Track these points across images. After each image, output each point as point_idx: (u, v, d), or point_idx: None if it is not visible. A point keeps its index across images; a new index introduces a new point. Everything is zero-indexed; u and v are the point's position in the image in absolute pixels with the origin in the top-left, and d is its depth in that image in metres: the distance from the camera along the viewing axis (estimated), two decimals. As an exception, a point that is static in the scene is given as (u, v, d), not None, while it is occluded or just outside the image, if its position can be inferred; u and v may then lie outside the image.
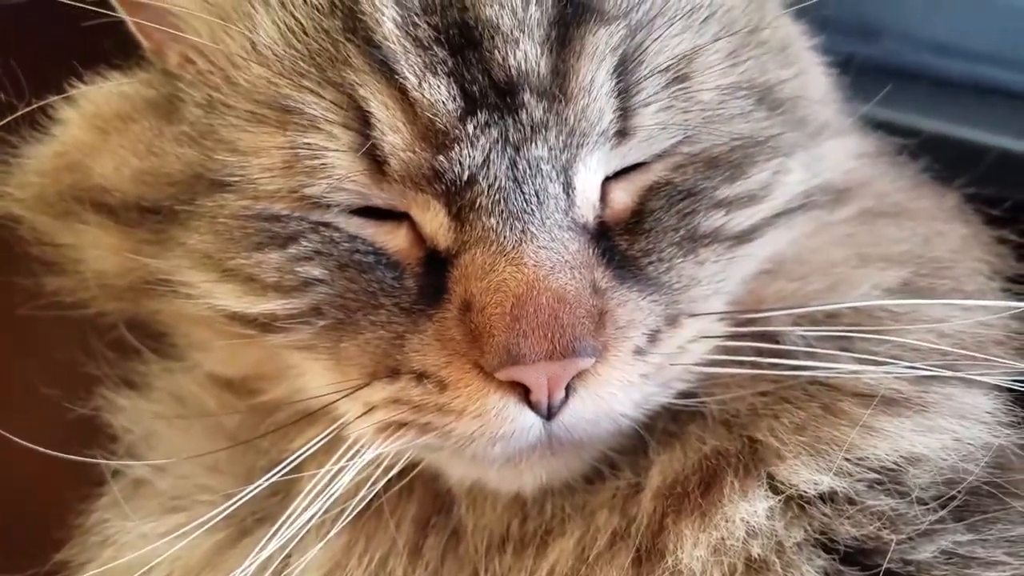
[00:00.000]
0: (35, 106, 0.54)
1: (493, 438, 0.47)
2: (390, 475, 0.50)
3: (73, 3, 0.50)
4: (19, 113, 0.54)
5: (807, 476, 0.48)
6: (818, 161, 0.55)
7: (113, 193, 0.53)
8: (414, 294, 0.48)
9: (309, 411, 0.52)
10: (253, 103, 0.48)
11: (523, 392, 0.46)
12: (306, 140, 0.47)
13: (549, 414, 0.47)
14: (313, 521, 0.49)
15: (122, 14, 0.52)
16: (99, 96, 0.55)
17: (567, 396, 0.47)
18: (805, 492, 0.48)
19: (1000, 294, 0.56)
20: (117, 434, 0.59)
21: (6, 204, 0.56)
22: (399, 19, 0.47)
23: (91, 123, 0.55)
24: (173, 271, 0.52)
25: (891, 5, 0.79)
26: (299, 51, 0.48)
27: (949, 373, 0.50)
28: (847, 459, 0.48)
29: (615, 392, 0.47)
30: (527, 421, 0.47)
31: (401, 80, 0.46)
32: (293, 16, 0.48)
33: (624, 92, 0.48)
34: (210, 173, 0.50)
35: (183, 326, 0.57)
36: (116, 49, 0.55)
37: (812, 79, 0.58)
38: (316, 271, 0.49)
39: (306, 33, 0.48)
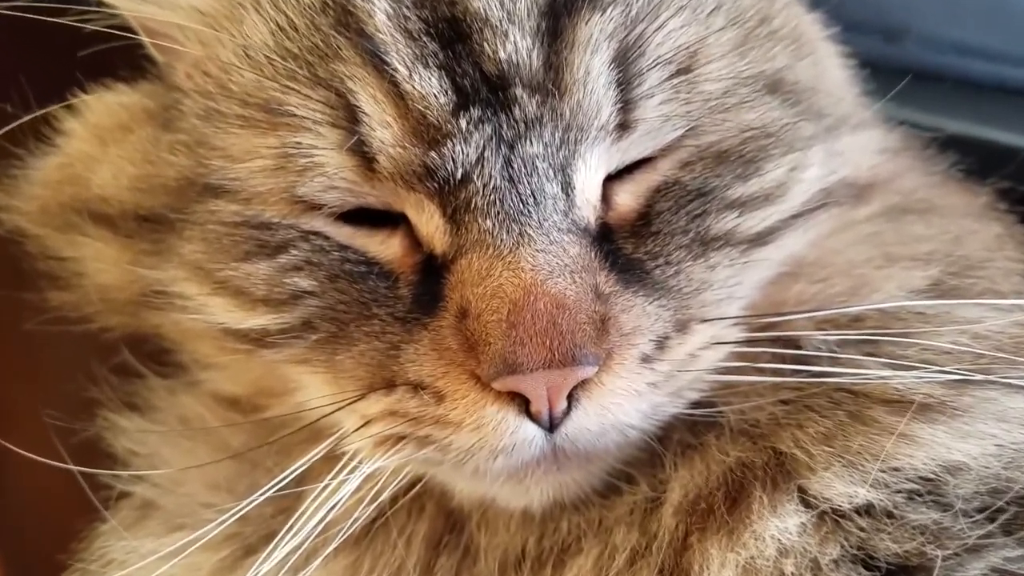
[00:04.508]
0: (37, 114, 0.53)
1: (494, 451, 0.44)
2: (392, 491, 0.47)
3: (85, 22, 0.49)
4: (21, 120, 0.52)
5: (841, 488, 0.44)
6: (838, 156, 0.52)
7: (111, 203, 0.51)
8: (409, 303, 0.46)
9: (311, 426, 0.49)
10: (245, 107, 0.47)
11: (523, 403, 0.43)
12: (295, 140, 0.45)
13: (551, 426, 0.44)
14: (312, 537, 0.46)
15: (136, 30, 0.51)
16: (101, 107, 0.54)
17: (570, 407, 0.43)
18: (840, 506, 0.44)
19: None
20: (120, 456, 0.56)
21: (12, 218, 0.55)
22: (391, 11, 0.45)
23: (93, 134, 0.54)
24: (170, 283, 0.50)
25: (914, 6, 0.76)
26: (290, 51, 0.46)
27: (981, 377, 0.46)
28: (882, 470, 0.44)
29: (620, 402, 0.44)
30: (528, 433, 0.44)
31: (392, 72, 0.44)
32: (285, 15, 0.46)
33: (625, 84, 0.45)
34: (202, 178, 0.48)
35: (186, 342, 0.55)
36: (122, 61, 0.55)
37: (828, 70, 0.55)
38: (305, 282, 0.46)
39: (297, 31, 0.46)
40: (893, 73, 0.58)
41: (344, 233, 0.47)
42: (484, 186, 0.44)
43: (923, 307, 0.48)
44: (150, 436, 0.56)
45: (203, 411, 0.56)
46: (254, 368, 0.52)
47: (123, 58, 0.54)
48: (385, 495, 0.47)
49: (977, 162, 0.58)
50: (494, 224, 0.44)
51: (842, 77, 0.56)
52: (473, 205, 0.44)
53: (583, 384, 0.43)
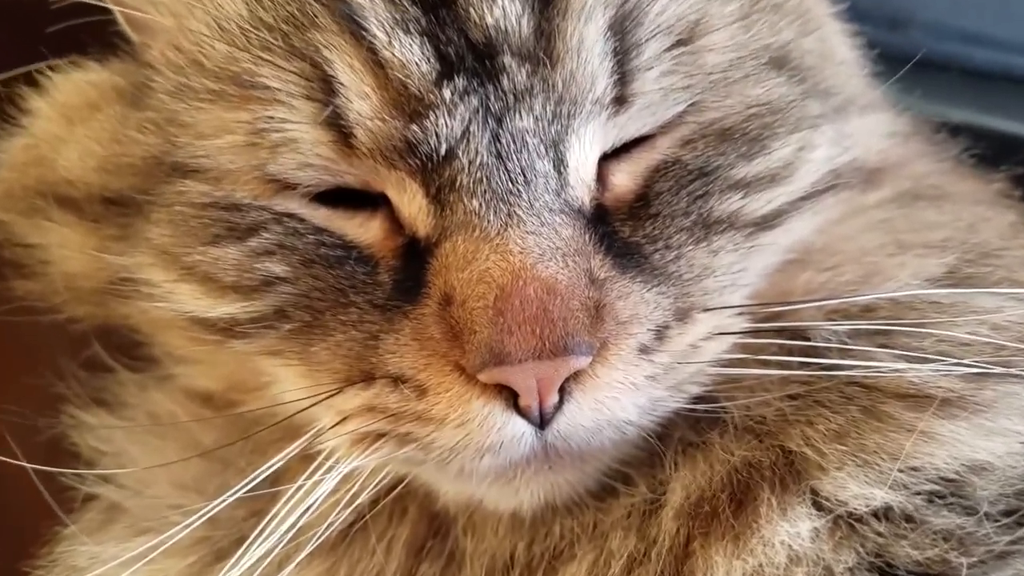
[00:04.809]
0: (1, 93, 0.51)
1: (480, 449, 0.42)
2: (371, 492, 0.45)
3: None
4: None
5: (856, 490, 0.42)
6: (846, 138, 0.50)
7: (77, 185, 0.49)
8: (389, 289, 0.44)
9: (285, 423, 0.47)
10: (216, 81, 0.44)
11: (511, 397, 0.41)
12: (268, 114, 0.42)
13: (542, 421, 0.41)
14: (285, 542, 0.44)
15: (107, 4, 0.49)
16: (69, 85, 0.52)
17: (561, 401, 0.41)
18: (855, 509, 0.42)
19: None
20: (84, 455, 0.54)
21: (-25, 204, 0.53)
22: None
23: (60, 113, 0.51)
24: (137, 270, 0.48)
25: (918, -6, 0.76)
26: (264, 21, 0.44)
27: (1001, 370, 0.44)
28: (900, 469, 0.42)
29: (617, 396, 0.42)
30: (517, 430, 0.42)
31: (370, 39, 0.42)
32: None
33: (621, 54, 0.43)
34: (170, 157, 0.46)
35: (156, 333, 0.53)
36: (91, 37, 0.52)
37: (835, 48, 0.53)
38: (277, 268, 0.44)
39: (273, 0, 0.44)
40: (898, 62, 0.56)
41: (320, 215, 0.44)
42: (470, 163, 0.42)
43: (939, 296, 0.46)
44: (117, 433, 0.54)
45: (174, 407, 0.54)
46: (228, 361, 0.49)
47: (93, 34, 0.51)
48: (364, 497, 0.45)
49: (982, 152, 0.57)
50: (481, 204, 0.41)
51: (850, 56, 0.55)
52: (458, 184, 0.42)
53: (576, 376, 0.41)
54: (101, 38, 0.52)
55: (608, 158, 0.45)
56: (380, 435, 0.43)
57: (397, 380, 0.42)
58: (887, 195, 0.52)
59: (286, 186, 0.44)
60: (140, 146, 0.47)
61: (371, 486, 0.45)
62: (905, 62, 0.54)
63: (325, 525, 0.44)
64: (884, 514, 0.42)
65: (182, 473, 0.51)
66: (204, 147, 0.44)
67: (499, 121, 0.42)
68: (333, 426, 0.44)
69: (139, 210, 0.47)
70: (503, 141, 0.42)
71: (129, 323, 0.53)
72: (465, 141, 0.42)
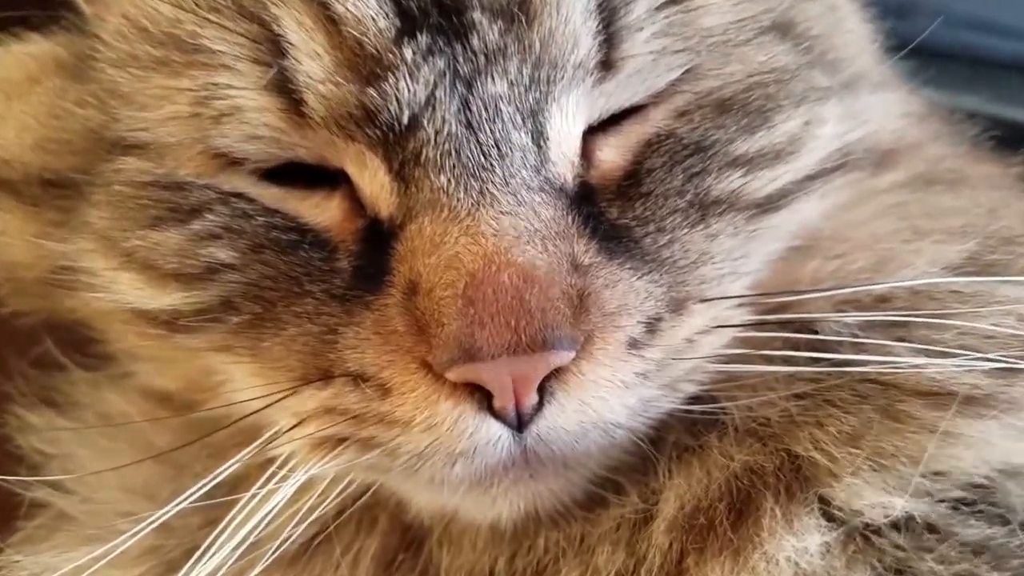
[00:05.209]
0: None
1: (451, 455, 0.39)
2: (334, 501, 0.42)
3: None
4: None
5: (873, 498, 0.39)
6: (857, 115, 0.48)
7: (14, 165, 0.47)
8: (348, 277, 0.41)
9: (240, 426, 0.44)
10: (160, 47, 0.42)
11: (484, 397, 0.38)
12: (212, 80, 0.40)
13: (520, 424, 0.39)
14: (238, 554, 0.42)
15: None
16: (9, 59, 0.49)
17: (541, 401, 0.39)
18: (872, 519, 0.39)
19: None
20: (28, 458, 0.52)
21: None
22: None
23: None
24: (78, 257, 0.45)
25: (925, -20, 0.77)
26: None
27: None
28: (923, 474, 0.40)
29: (604, 396, 0.39)
30: (492, 433, 0.39)
31: None
32: None
33: (607, 12, 0.40)
34: (110, 132, 0.43)
35: (108, 329, 0.50)
36: (35, 6, 0.50)
37: (844, 19, 0.51)
38: (223, 253, 0.42)
39: None
40: (905, 50, 0.56)
41: (271, 194, 0.42)
42: (436, 133, 0.39)
43: (961, 285, 0.44)
44: (64, 435, 0.51)
45: (128, 408, 0.51)
46: (184, 358, 0.47)
47: (36, 3, 0.49)
48: (326, 507, 0.42)
49: (991, 140, 0.55)
50: (449, 180, 0.39)
51: (860, 30, 0.53)
52: (424, 157, 0.39)
53: (557, 374, 0.38)
54: (45, 6, 0.49)
55: (594, 131, 0.42)
56: (341, 440, 0.41)
57: (358, 379, 0.39)
58: (900, 178, 0.50)
59: (233, 162, 0.41)
60: (79, 121, 0.44)
61: (333, 495, 0.42)
62: (913, 50, 0.53)
63: (283, 537, 0.42)
64: (904, 525, 0.39)
65: (133, 477, 0.48)
66: (145, 119, 0.42)
67: (469, 86, 0.39)
68: (289, 429, 0.42)
69: (80, 192, 0.45)
70: (473, 109, 0.39)
71: (76, 317, 0.50)
72: (430, 108, 0.39)
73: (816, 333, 0.43)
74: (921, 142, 0.52)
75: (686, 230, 0.42)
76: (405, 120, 0.39)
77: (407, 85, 0.38)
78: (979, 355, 0.41)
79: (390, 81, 0.38)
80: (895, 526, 0.39)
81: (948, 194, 0.50)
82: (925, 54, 0.54)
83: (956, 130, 0.55)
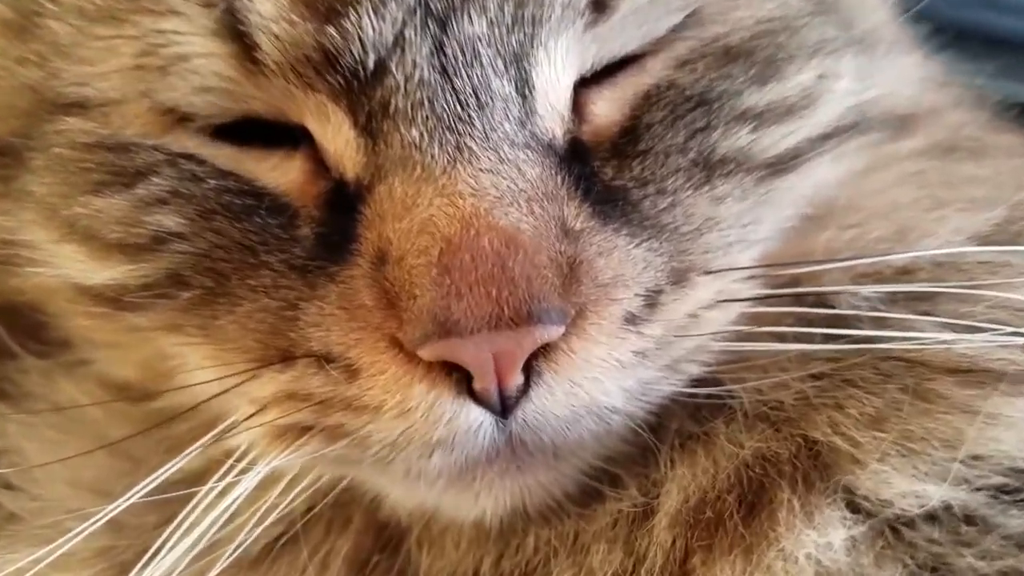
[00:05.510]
0: None
1: (427, 445, 0.37)
2: (300, 497, 0.40)
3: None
4: None
5: (903, 487, 0.37)
6: (872, 75, 0.47)
7: None
8: (311, 246, 0.38)
9: (196, 413, 0.42)
10: None
11: (463, 378, 0.36)
12: (157, 27, 0.38)
13: (503, 409, 0.36)
14: (193, 555, 0.40)
15: None
16: None
17: (528, 383, 0.36)
18: (903, 510, 0.37)
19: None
20: None
21: None
22: None
23: None
24: (20, 230, 0.43)
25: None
26: None
27: None
28: (958, 459, 0.37)
29: (598, 377, 0.37)
30: (472, 420, 0.36)
31: None
32: None
33: None
34: (51, 91, 0.41)
35: (61, 312, 0.47)
36: None
37: None
38: (171, 220, 0.39)
39: None
40: (918, 28, 0.55)
41: (224, 155, 0.39)
42: (406, 80, 0.36)
43: (990, 255, 0.42)
44: (10, 427, 0.48)
45: (81, 397, 0.48)
46: (137, 342, 0.44)
47: None
48: (292, 503, 0.40)
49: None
50: (422, 134, 0.36)
51: None
52: (393, 108, 0.36)
53: (545, 351, 0.36)
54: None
55: (587, 82, 0.40)
56: (305, 428, 0.38)
57: (322, 360, 0.37)
58: (920, 145, 0.48)
59: (182, 118, 0.39)
60: (19, 80, 0.42)
61: (299, 489, 0.39)
62: (926, 28, 0.52)
63: (242, 536, 0.39)
64: (939, 516, 0.37)
65: (84, 472, 0.46)
66: (87, 74, 0.40)
67: (442, 25, 0.36)
68: (247, 418, 0.39)
69: (21, 160, 0.43)
70: (448, 52, 0.36)
71: (24, 299, 0.47)
72: (399, 51, 0.36)
73: (832, 308, 0.41)
74: (941, 107, 0.51)
75: (689, 192, 0.39)
76: (370, 64, 0.36)
77: (371, 23, 0.36)
78: (1013, 329, 0.39)
79: (351, 18, 0.36)
80: (930, 518, 0.37)
81: (969, 162, 0.48)
82: (938, 32, 0.54)
83: (977, 97, 0.53)
